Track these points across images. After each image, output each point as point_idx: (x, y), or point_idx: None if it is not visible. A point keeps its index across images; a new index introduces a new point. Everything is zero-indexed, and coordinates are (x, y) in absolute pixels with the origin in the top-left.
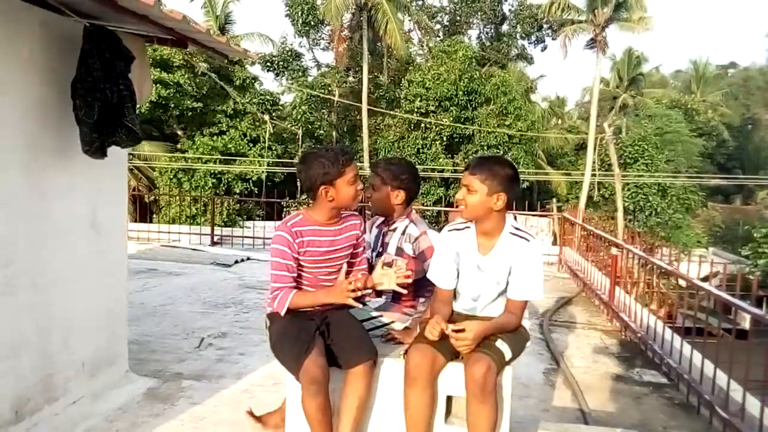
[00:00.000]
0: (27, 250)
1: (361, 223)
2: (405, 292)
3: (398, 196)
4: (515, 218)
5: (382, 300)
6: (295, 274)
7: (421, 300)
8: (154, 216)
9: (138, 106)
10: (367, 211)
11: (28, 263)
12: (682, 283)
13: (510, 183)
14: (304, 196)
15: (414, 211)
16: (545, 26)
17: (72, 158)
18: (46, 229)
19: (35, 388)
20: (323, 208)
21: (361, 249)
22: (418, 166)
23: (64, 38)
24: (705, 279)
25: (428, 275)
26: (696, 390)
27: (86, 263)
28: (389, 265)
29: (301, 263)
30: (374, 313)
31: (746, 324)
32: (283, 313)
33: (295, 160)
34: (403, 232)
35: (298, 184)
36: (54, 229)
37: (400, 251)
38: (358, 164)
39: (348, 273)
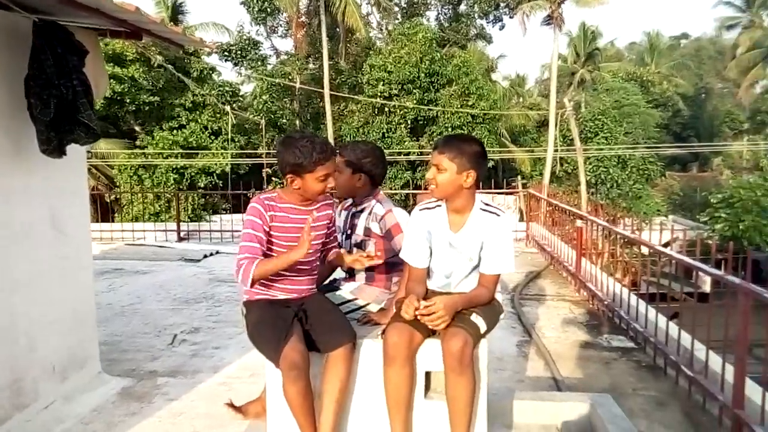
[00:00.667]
0: None
1: (333, 204)
2: (380, 262)
3: (360, 179)
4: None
5: (356, 283)
6: (264, 248)
7: (394, 279)
8: (116, 215)
9: (96, 100)
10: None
11: None
12: (644, 251)
13: (478, 160)
14: (270, 187)
15: (381, 193)
16: (502, 5)
17: (28, 158)
18: (6, 232)
19: (3, 395)
20: (292, 192)
21: (333, 229)
22: (384, 150)
23: (12, 35)
24: (665, 245)
25: (401, 255)
26: (662, 352)
27: (49, 265)
28: (359, 246)
29: (275, 245)
30: (349, 296)
31: (707, 287)
32: (248, 286)
33: (259, 151)
34: (370, 212)
35: (264, 175)
36: (13, 231)
37: (368, 231)
38: None
39: (323, 253)
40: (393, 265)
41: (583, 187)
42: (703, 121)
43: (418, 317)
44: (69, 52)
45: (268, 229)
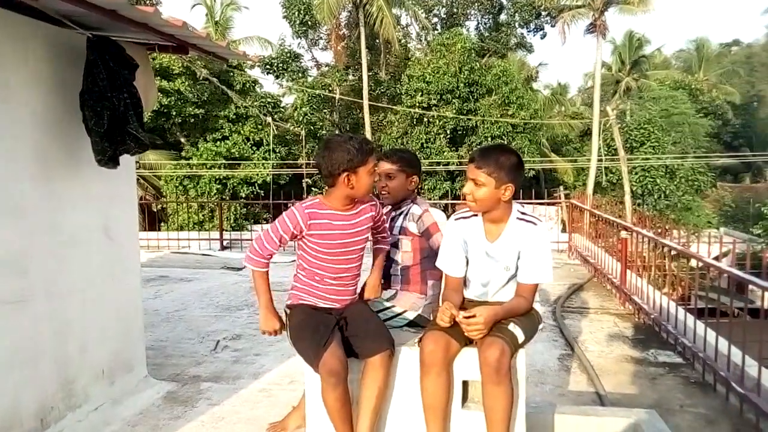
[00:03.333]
0: (41, 260)
1: (375, 204)
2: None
3: (412, 183)
4: (523, 207)
5: (392, 291)
6: (277, 250)
7: (430, 283)
8: (162, 224)
9: (145, 112)
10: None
11: (43, 273)
12: (693, 264)
13: (516, 172)
14: (310, 198)
15: (419, 197)
16: (543, 13)
17: (82, 167)
18: (60, 238)
19: (57, 395)
20: (340, 195)
21: (382, 227)
22: (423, 161)
23: (68, 50)
24: (716, 259)
25: (437, 264)
26: (711, 367)
27: (101, 270)
28: (395, 245)
29: (315, 250)
30: (386, 304)
31: (759, 302)
32: (245, 262)
33: (300, 161)
34: (407, 213)
35: (304, 185)
36: (67, 238)
37: (404, 230)
38: None
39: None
40: (426, 267)
41: (627, 197)
42: (755, 130)
43: (458, 323)
44: (120, 66)
45: (297, 234)
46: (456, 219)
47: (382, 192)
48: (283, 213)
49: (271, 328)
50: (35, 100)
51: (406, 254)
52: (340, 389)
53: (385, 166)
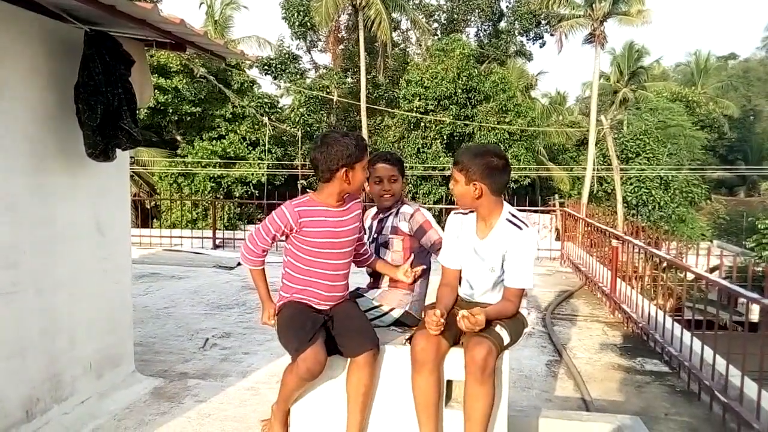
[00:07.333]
0: (32, 253)
1: (361, 205)
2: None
3: (404, 186)
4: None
5: (379, 290)
6: (270, 247)
7: (418, 281)
8: (155, 221)
9: (139, 108)
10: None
11: (33, 266)
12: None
13: (486, 171)
14: (300, 197)
15: (407, 198)
16: (543, 22)
17: (75, 162)
18: (51, 232)
19: (44, 388)
20: (334, 191)
21: (362, 234)
22: (418, 165)
23: (65, 44)
24: (712, 271)
25: (439, 259)
26: (696, 377)
27: (91, 265)
28: (386, 245)
29: (307, 244)
30: (374, 303)
31: (753, 316)
32: (241, 260)
33: (295, 162)
34: (397, 213)
35: (299, 186)
36: (59, 232)
37: (395, 230)
38: None
39: (356, 261)
40: (415, 265)
41: (619, 207)
42: (750, 144)
43: (458, 319)
44: (117, 61)
45: (288, 232)
46: (455, 213)
47: (384, 195)
48: (273, 212)
49: (265, 320)
50: (31, 93)
51: (396, 254)
52: (305, 384)
53: (387, 169)
